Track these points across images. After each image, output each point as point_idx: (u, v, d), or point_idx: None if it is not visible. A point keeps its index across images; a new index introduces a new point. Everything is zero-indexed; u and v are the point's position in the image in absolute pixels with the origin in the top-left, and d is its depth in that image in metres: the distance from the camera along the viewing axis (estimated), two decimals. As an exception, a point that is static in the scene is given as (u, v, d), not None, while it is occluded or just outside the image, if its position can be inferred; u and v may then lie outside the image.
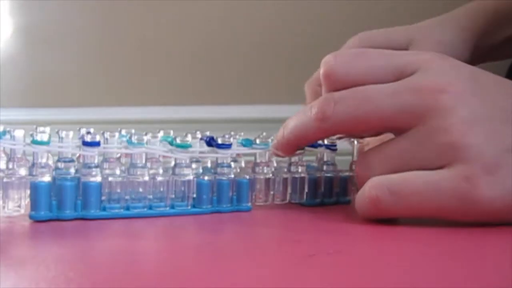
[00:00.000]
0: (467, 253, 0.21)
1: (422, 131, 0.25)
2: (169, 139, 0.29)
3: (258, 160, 0.31)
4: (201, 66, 0.57)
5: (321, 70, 0.27)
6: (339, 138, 0.32)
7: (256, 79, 0.54)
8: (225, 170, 0.30)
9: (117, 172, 0.27)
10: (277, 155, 0.31)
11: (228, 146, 0.30)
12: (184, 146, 0.29)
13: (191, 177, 0.29)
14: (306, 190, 0.32)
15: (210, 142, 0.30)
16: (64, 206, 0.26)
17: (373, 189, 0.25)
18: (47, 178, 0.26)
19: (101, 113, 0.53)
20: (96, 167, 0.27)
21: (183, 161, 0.29)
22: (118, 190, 0.27)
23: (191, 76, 0.57)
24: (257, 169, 0.31)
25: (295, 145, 0.30)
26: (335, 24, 0.54)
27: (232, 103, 0.56)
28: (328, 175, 0.33)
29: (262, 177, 0.31)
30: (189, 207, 0.29)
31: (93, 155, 0.26)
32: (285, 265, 0.19)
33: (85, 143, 0.27)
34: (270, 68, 0.49)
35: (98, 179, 0.26)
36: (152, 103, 0.56)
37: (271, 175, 0.31)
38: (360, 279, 0.17)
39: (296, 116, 0.29)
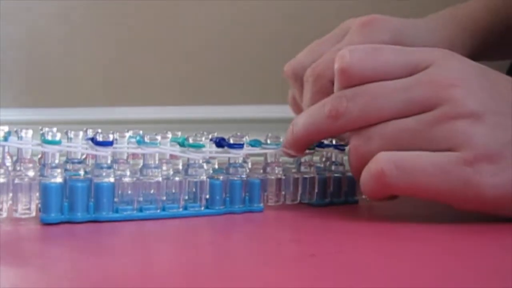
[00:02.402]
0: (468, 253, 0.21)
1: (431, 115, 0.25)
2: (179, 140, 0.28)
3: (269, 160, 0.31)
4: (201, 66, 0.56)
5: (336, 65, 0.27)
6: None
7: (256, 80, 0.54)
8: (238, 170, 0.29)
9: (128, 173, 0.26)
10: (288, 155, 0.31)
11: (240, 146, 0.29)
12: (197, 146, 0.28)
13: (204, 178, 0.28)
14: (316, 190, 0.32)
15: (221, 142, 0.29)
16: (75, 208, 0.25)
17: (379, 163, 0.25)
18: (58, 179, 0.25)
19: (102, 113, 0.52)
20: (109, 167, 0.26)
21: (196, 162, 0.28)
22: (131, 191, 0.26)
23: (191, 76, 0.57)
24: (268, 169, 0.31)
25: (306, 143, 0.30)
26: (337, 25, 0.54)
27: (232, 103, 0.56)
28: (337, 175, 0.33)
29: (273, 177, 0.30)
30: (203, 208, 0.28)
31: (106, 155, 0.26)
32: (286, 265, 0.19)
33: (97, 143, 0.26)
34: (270, 69, 0.49)
35: (111, 180, 0.26)
36: (152, 103, 0.55)
37: (282, 175, 0.31)
38: (360, 279, 0.17)
39: (306, 114, 0.29)
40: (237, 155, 0.29)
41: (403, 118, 0.26)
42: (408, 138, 0.26)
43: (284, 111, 0.48)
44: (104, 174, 0.26)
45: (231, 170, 0.29)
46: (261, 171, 0.30)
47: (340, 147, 0.33)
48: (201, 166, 0.28)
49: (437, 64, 0.26)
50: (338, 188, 0.33)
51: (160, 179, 0.27)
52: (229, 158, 0.29)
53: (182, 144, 0.28)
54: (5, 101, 0.50)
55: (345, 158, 0.34)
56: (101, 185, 0.25)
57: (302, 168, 0.32)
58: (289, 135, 0.30)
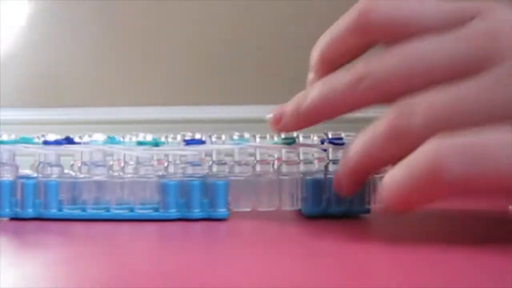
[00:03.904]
0: (466, 253, 0.18)
1: (496, 74, 0.19)
2: (144, 142, 0.27)
3: (237, 158, 0.26)
4: (201, 66, 0.55)
5: (353, 14, 0.22)
6: None
7: (256, 80, 0.51)
8: (196, 169, 0.26)
9: (73, 171, 0.26)
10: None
11: (199, 142, 0.26)
12: (150, 144, 0.26)
13: (154, 178, 0.26)
14: (304, 195, 0.26)
15: (188, 141, 0.27)
16: (24, 205, 0.26)
17: (437, 152, 0.18)
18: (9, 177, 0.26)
19: (102, 113, 0.54)
20: (57, 166, 0.26)
21: (147, 161, 0.26)
22: (77, 191, 0.26)
23: (191, 76, 0.55)
24: (237, 169, 0.26)
25: (314, 117, 0.24)
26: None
27: (233, 103, 0.53)
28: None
29: (242, 178, 0.26)
30: (152, 211, 0.26)
31: (52, 154, 0.26)
32: (285, 264, 0.17)
33: (47, 142, 0.26)
34: (271, 69, 0.46)
35: (57, 178, 0.26)
36: (152, 103, 0.55)
37: (257, 175, 0.26)
38: (360, 279, 0.15)
39: (322, 81, 0.24)
40: (193, 152, 0.26)
41: (455, 84, 0.19)
42: (469, 109, 0.19)
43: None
44: (49, 171, 0.26)
45: (188, 169, 0.26)
46: (227, 171, 0.26)
47: (336, 141, 0.26)
48: (150, 165, 0.26)
49: (492, 12, 0.20)
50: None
51: (106, 178, 0.26)
52: (185, 156, 0.27)
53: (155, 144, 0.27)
54: (5, 101, 0.54)
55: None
56: (48, 183, 0.26)
57: (284, 168, 0.26)
58: (291, 108, 0.25)
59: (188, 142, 0.26)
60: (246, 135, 0.27)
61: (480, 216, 0.26)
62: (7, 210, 0.26)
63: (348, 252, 0.19)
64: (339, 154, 0.26)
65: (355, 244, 0.21)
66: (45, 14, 0.54)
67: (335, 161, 0.26)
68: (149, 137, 0.27)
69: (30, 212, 0.26)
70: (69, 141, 0.27)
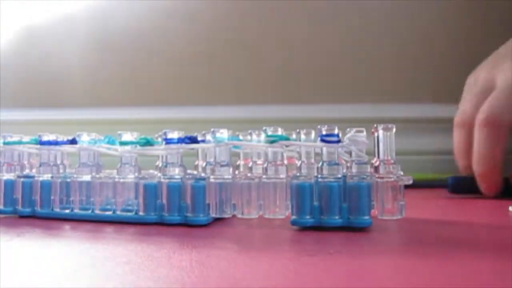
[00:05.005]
0: (464, 253, 0.18)
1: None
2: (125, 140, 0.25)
3: (208, 159, 0.24)
4: (202, 66, 0.51)
5: None
6: None
7: (256, 80, 0.50)
8: (176, 170, 0.24)
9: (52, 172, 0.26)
10: None
11: (171, 141, 0.24)
12: (126, 144, 0.25)
13: (132, 179, 0.24)
14: (291, 202, 0.22)
15: (167, 140, 0.25)
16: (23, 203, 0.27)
17: None
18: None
19: (101, 113, 0.52)
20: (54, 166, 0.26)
21: (128, 162, 0.25)
22: (60, 191, 0.26)
23: (192, 76, 0.51)
24: (217, 171, 0.23)
25: None
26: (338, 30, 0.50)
27: (234, 103, 0.50)
28: (329, 180, 0.22)
29: (219, 181, 0.23)
30: (132, 214, 0.25)
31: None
32: (285, 264, 0.17)
33: (42, 143, 0.27)
34: (270, 69, 0.49)
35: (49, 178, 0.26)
36: (152, 103, 0.52)
37: (232, 179, 0.23)
38: (361, 279, 0.16)
39: None
40: (171, 151, 0.24)
41: None
42: None
43: (284, 111, 0.48)
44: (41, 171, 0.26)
45: (167, 170, 0.24)
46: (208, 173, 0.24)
47: (328, 138, 0.22)
48: (133, 166, 0.25)
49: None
50: (332, 202, 0.22)
51: (88, 178, 0.25)
52: (166, 156, 0.24)
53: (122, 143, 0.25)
54: (5, 101, 0.53)
55: (341, 153, 0.22)
56: (44, 182, 0.26)
57: (270, 171, 0.23)
58: None
59: (168, 141, 0.24)
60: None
61: (481, 220, 0.26)
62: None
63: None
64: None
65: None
66: (45, 14, 0.55)
67: (332, 163, 0.22)
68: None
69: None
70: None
